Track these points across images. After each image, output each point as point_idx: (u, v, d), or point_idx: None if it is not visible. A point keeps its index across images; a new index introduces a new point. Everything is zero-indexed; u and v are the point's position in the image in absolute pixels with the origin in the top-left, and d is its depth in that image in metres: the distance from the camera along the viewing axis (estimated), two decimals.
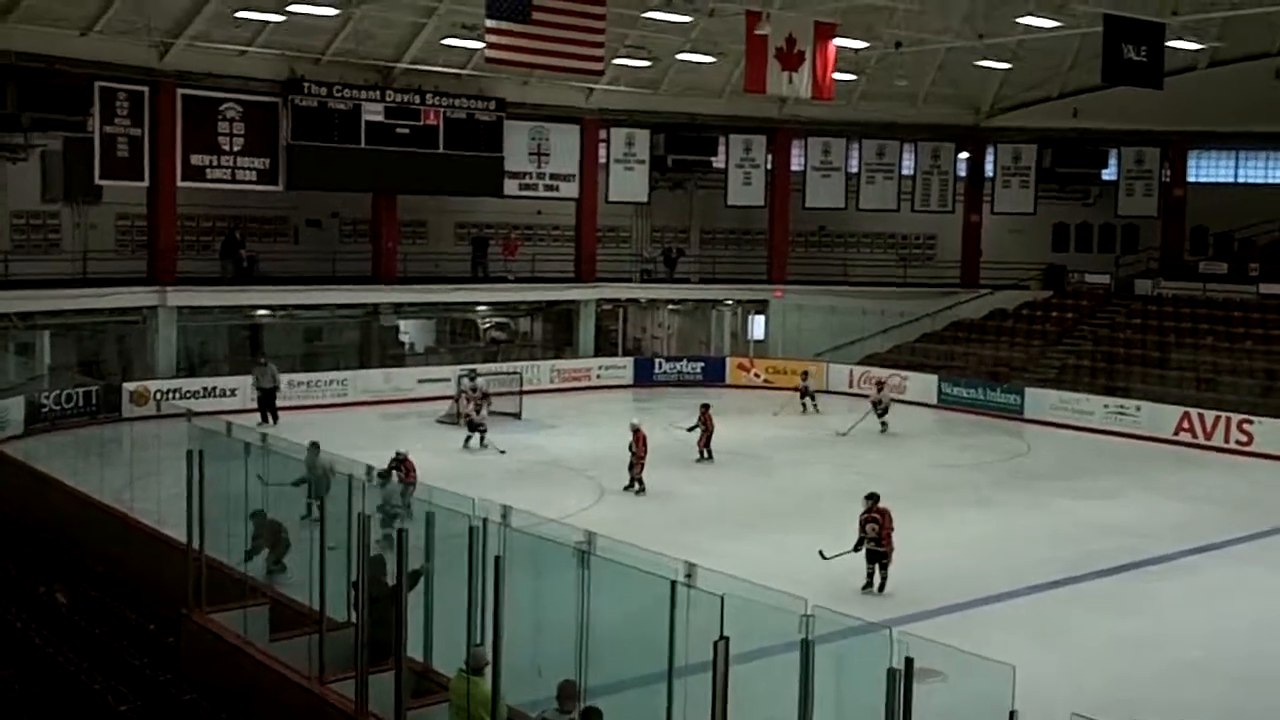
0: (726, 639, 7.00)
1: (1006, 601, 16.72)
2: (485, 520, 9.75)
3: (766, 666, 8.37)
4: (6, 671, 7.92)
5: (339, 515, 9.61)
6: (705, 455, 25.64)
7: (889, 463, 26.19)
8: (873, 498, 17.39)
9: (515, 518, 9.81)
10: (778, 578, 8.66)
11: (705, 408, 26.20)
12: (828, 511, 21.36)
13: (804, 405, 32.02)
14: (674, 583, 8.37)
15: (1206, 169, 40.54)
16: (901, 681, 7.13)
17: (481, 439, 26.12)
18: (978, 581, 17.32)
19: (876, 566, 16.78)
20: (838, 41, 25.77)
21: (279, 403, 28.42)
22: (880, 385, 31.48)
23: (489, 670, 8.84)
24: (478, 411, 26.73)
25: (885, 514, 17.11)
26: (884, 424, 29.63)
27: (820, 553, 16.70)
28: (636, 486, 22.41)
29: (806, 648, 7.41)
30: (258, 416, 27.04)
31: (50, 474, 18.31)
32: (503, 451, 25.59)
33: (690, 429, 26.04)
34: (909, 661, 7.12)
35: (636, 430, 22.72)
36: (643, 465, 22.50)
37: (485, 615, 9.87)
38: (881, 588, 16.70)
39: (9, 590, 11.28)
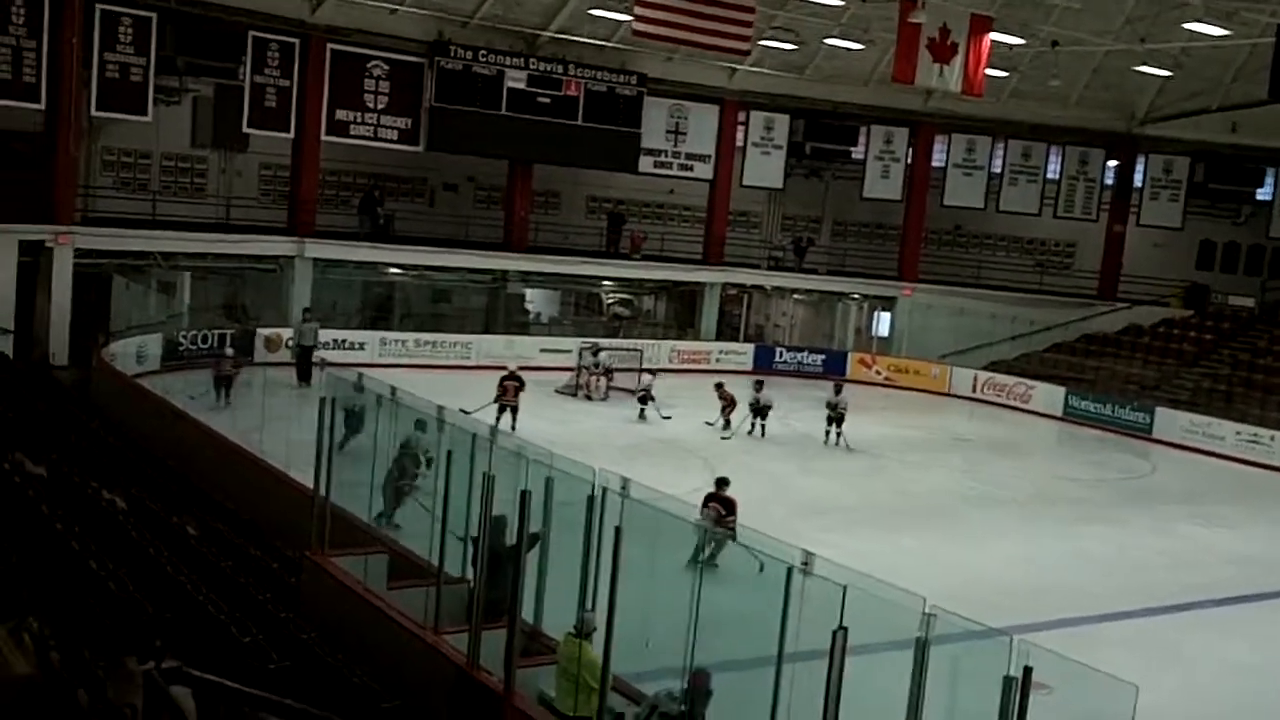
0: (845, 629, 6.90)
1: (1123, 620, 16.25)
2: (605, 490, 9.81)
3: (876, 662, 8.26)
4: (139, 594, 8.20)
5: (461, 475, 9.69)
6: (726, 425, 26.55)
7: (1012, 472, 25.69)
8: (720, 483, 17.27)
9: (634, 490, 9.85)
10: (890, 576, 8.49)
11: (719, 385, 27.32)
12: (946, 516, 21.11)
13: (725, 421, 26.77)
14: (790, 569, 8.34)
15: None
16: (1017, 691, 6.96)
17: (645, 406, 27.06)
18: (1095, 598, 16.88)
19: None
20: (992, 36, 25.25)
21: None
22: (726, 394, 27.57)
23: (597, 636, 8.87)
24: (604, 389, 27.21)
25: (729, 503, 16.70)
26: (728, 422, 26.71)
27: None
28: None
29: (922, 647, 7.28)
30: (294, 374, 27.00)
31: (185, 410, 18.88)
32: (667, 417, 26.86)
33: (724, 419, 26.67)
34: (1027, 671, 6.94)
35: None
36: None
37: (599, 583, 9.96)
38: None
39: (144, 517, 11.66)
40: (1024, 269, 39.68)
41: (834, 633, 6.86)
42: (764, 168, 36.25)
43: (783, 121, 36.01)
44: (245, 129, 29.55)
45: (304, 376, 26.97)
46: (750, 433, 26.33)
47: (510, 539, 9.80)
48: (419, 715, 8.79)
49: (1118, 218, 38.46)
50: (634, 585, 9.75)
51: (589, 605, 10.08)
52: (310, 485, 14.36)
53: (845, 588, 6.88)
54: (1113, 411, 32.47)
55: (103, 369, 23.23)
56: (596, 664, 8.73)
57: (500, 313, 34.55)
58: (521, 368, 26.82)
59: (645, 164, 34.61)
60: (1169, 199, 38.07)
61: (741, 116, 35.83)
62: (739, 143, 35.98)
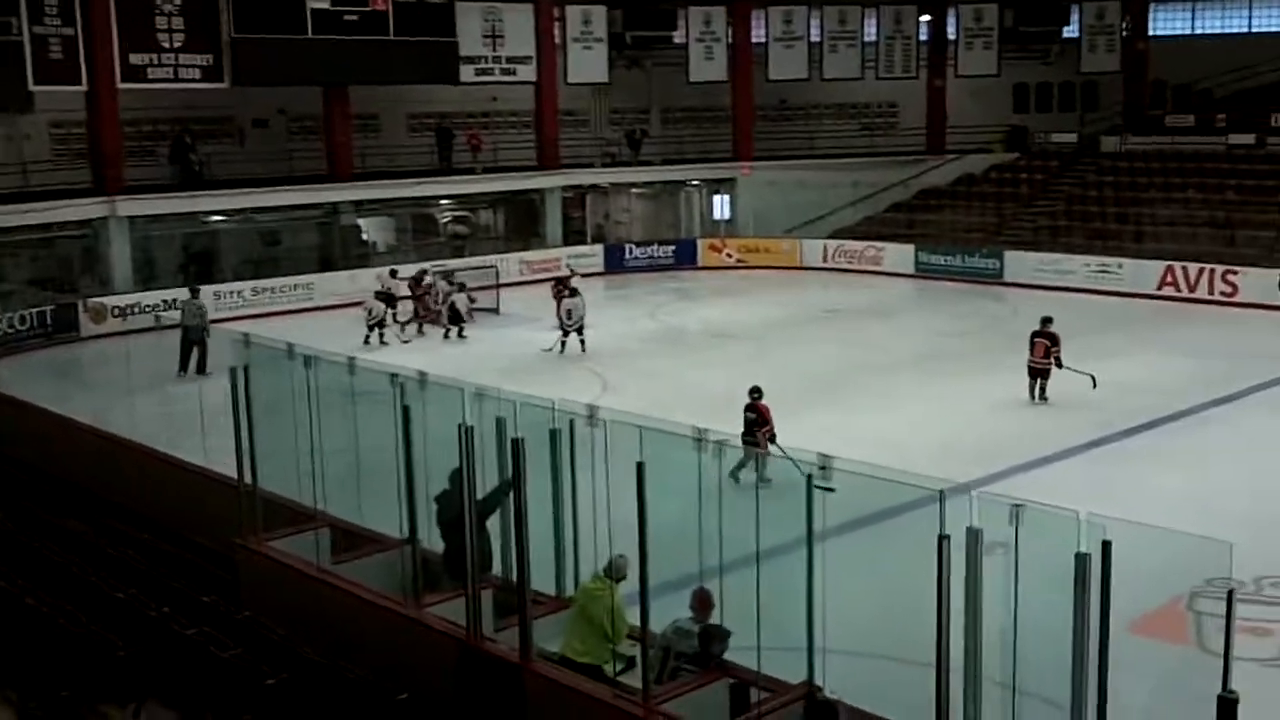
0: (947, 537, 6.33)
1: (1048, 465, 16.29)
2: (572, 420, 9.00)
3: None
4: (68, 606, 7.08)
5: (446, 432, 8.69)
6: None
7: (886, 336, 25.74)
8: (1045, 321, 19.75)
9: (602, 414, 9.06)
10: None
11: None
12: (846, 388, 20.95)
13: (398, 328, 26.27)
14: (809, 476, 7.75)
15: (1164, 21, 39.96)
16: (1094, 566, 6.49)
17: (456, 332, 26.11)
18: (1014, 447, 16.90)
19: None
20: None
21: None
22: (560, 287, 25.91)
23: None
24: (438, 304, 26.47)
25: (1054, 337, 19.45)
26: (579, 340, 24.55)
27: None
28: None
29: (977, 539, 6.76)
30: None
31: (34, 402, 17.12)
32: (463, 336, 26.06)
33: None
34: (1106, 545, 6.45)
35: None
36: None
37: (578, 523, 9.18)
38: None
39: (36, 527, 10.35)
40: (852, 134, 39.80)
41: (940, 539, 6.26)
42: (587, 63, 35.11)
43: (600, 13, 34.84)
44: (31, 86, 26.90)
45: (187, 364, 22.81)
46: (557, 350, 23.99)
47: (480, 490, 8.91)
48: (423, 701, 7.93)
49: (937, 72, 38.72)
50: (599, 513, 9.03)
51: (566, 549, 9.36)
52: (197, 465, 13.24)
53: (941, 493, 6.27)
54: (963, 261, 32.96)
55: None
56: (620, 611, 8.02)
57: (336, 247, 32.87)
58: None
59: (466, 73, 33.06)
60: (983, 47, 38.46)
61: (557, 12, 34.48)
62: (558, 40, 34.68)
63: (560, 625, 8.77)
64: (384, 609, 8.81)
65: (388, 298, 26.30)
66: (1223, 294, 28.49)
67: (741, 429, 15.90)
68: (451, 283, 27.27)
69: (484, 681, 7.93)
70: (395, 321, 26.30)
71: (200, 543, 11.37)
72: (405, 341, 25.84)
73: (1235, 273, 28.53)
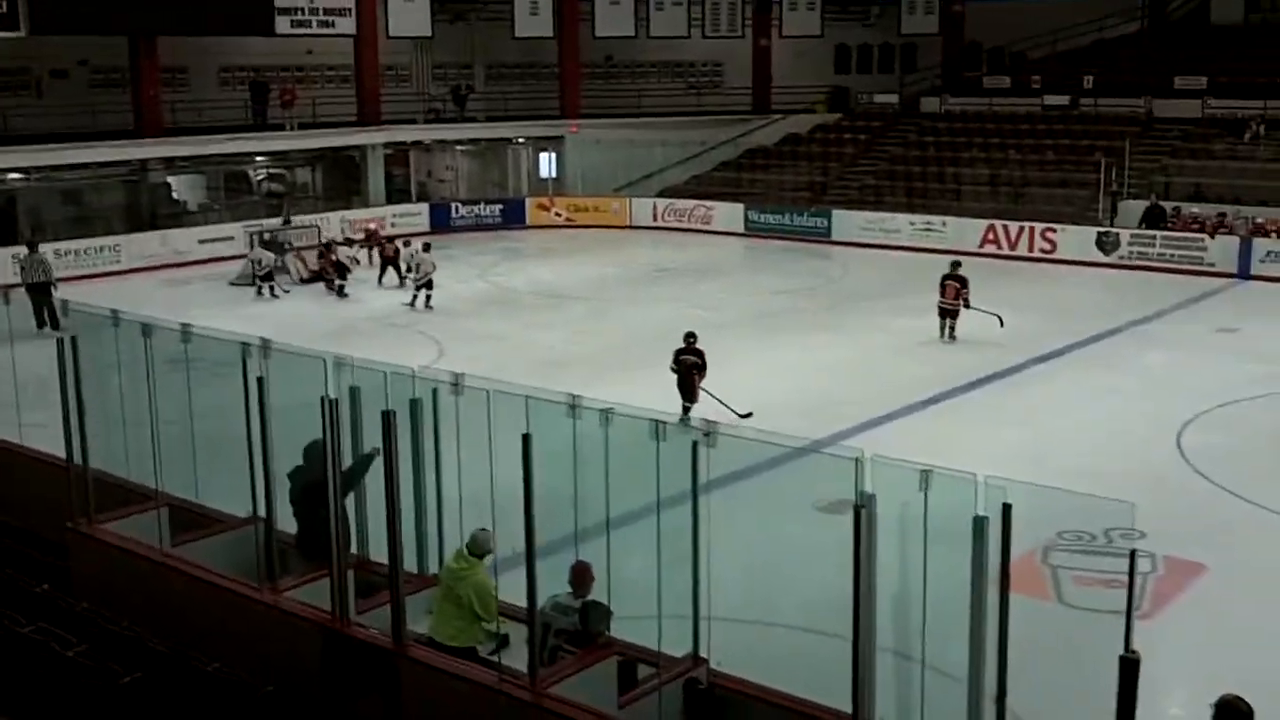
0: (863, 506, 6.11)
1: (890, 423, 16.44)
2: (435, 390, 8.53)
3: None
4: None
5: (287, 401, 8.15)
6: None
7: (720, 294, 25.73)
8: (955, 264, 21.06)
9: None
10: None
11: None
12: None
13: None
14: (695, 443, 7.49)
15: None
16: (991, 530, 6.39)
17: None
18: (853, 406, 16.94)
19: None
20: None
21: None
22: (372, 238, 28.50)
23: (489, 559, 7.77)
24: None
25: (964, 280, 20.66)
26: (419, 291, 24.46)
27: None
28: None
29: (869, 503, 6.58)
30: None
31: None
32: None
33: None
34: (1006, 508, 6.35)
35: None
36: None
37: (442, 499, 8.76)
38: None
39: None
40: (678, 93, 39.71)
41: (857, 507, 6.05)
42: (409, 16, 33.94)
43: None
44: None
45: (43, 320, 20.41)
46: (412, 305, 24.32)
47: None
48: (288, 692, 7.40)
49: (762, 32, 38.91)
50: (476, 482, 8.63)
51: (429, 525, 8.91)
52: (17, 443, 12.21)
53: (857, 460, 6.05)
54: (792, 220, 33.26)
55: None
56: (488, 588, 7.61)
57: (145, 207, 31.13)
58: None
59: (281, 24, 31.57)
60: (807, 7, 38.85)
61: None
62: None
63: (425, 604, 8.36)
64: (237, 594, 8.20)
65: (276, 246, 26.56)
66: (1042, 251, 29.44)
67: (676, 375, 16.22)
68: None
69: (353, 668, 7.44)
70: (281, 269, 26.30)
71: (25, 528, 10.47)
72: (286, 291, 25.80)
73: (1054, 230, 29.49)
